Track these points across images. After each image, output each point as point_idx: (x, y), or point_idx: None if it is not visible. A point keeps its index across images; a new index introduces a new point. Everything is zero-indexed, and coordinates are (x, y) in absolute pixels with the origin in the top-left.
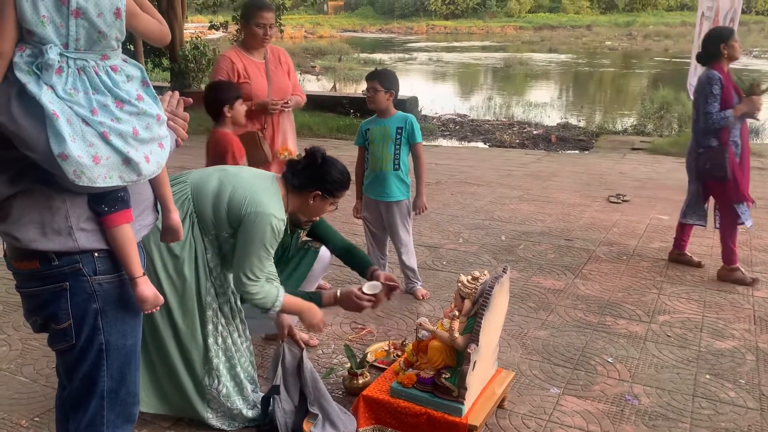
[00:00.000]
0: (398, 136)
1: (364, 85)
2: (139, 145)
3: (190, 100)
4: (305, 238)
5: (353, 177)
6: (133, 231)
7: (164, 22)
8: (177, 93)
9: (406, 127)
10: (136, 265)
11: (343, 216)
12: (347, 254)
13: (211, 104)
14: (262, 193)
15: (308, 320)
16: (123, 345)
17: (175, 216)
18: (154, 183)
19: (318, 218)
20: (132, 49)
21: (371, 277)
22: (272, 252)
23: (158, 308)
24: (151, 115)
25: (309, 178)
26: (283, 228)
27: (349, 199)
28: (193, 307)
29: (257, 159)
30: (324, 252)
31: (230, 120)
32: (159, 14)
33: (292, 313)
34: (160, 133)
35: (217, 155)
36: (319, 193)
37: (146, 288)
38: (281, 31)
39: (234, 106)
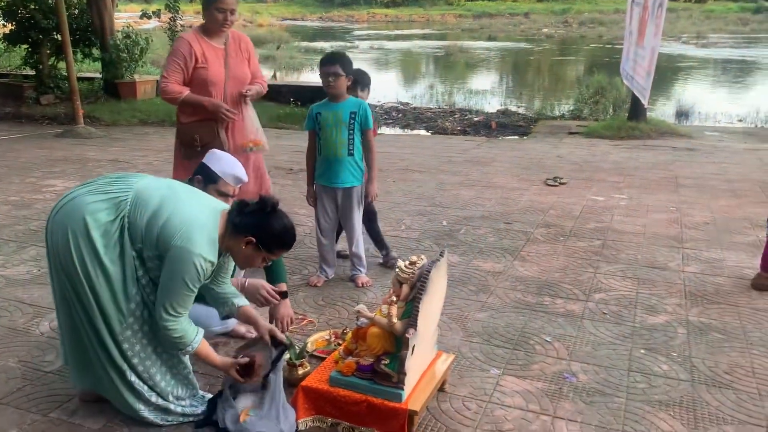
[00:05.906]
0: (351, 122)
1: (304, 74)
2: None
3: None
4: None
5: (305, 163)
6: None
7: None
8: None
9: (359, 112)
10: None
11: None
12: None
13: None
14: (198, 230)
15: (222, 369)
16: None
17: None
18: None
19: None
20: (59, 38)
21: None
22: (195, 290)
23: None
24: None
25: (250, 222)
26: (211, 270)
27: (297, 188)
28: (115, 310)
29: (215, 147)
30: None
31: None
32: None
33: (204, 362)
34: None
35: None
36: (253, 240)
37: None
38: None
39: None
